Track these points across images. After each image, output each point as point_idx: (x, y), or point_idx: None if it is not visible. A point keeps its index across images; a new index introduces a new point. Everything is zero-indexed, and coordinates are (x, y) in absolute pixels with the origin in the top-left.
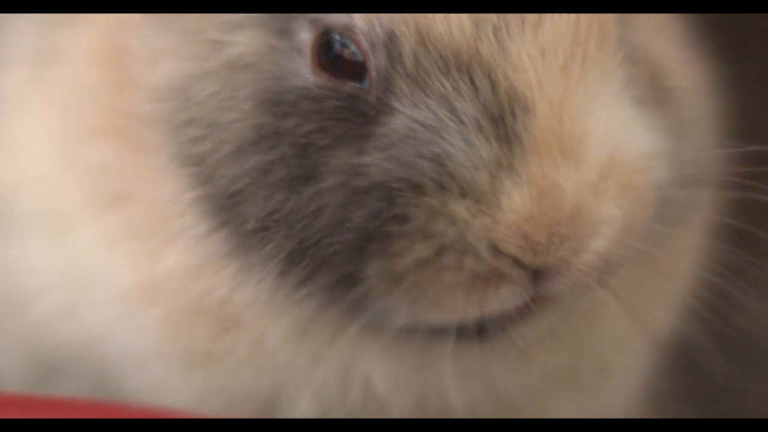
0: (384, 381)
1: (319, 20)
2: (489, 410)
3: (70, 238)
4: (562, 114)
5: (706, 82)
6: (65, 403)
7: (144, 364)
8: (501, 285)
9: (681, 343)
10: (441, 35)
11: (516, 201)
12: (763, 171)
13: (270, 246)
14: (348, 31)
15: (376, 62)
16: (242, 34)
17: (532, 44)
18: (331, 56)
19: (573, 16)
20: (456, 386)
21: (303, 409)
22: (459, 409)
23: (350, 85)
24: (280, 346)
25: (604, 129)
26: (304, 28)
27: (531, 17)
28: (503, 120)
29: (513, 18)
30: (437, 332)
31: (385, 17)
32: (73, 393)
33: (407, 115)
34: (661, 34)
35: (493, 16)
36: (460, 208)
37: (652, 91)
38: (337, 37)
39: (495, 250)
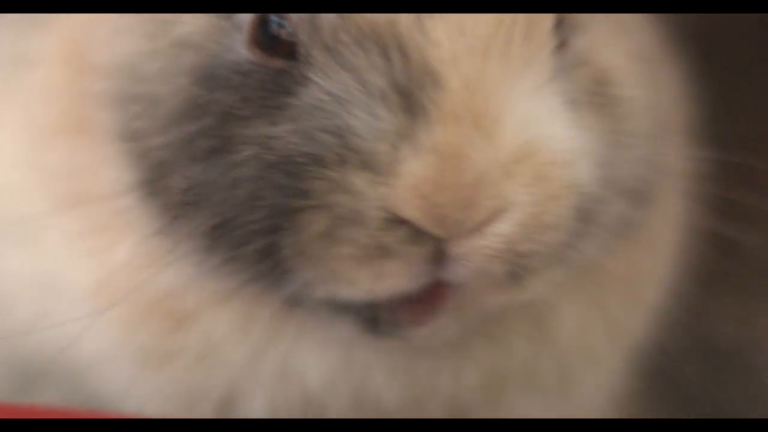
0: (317, 379)
1: None
2: (437, 410)
3: (38, 243)
4: (476, 91)
5: (674, 95)
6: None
7: (109, 367)
8: (391, 259)
9: (655, 349)
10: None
11: (415, 166)
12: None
13: (194, 221)
14: None
15: (302, 36)
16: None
17: (451, 22)
18: (267, 35)
19: None
20: (389, 385)
21: (257, 408)
22: (392, 408)
23: (280, 62)
24: (226, 341)
25: (522, 113)
26: None
27: None
28: (411, 93)
29: None
30: (353, 320)
31: None
32: (53, 400)
33: (320, 86)
34: (615, 43)
35: None
36: (357, 180)
37: (592, 95)
38: (274, 17)
39: (390, 222)
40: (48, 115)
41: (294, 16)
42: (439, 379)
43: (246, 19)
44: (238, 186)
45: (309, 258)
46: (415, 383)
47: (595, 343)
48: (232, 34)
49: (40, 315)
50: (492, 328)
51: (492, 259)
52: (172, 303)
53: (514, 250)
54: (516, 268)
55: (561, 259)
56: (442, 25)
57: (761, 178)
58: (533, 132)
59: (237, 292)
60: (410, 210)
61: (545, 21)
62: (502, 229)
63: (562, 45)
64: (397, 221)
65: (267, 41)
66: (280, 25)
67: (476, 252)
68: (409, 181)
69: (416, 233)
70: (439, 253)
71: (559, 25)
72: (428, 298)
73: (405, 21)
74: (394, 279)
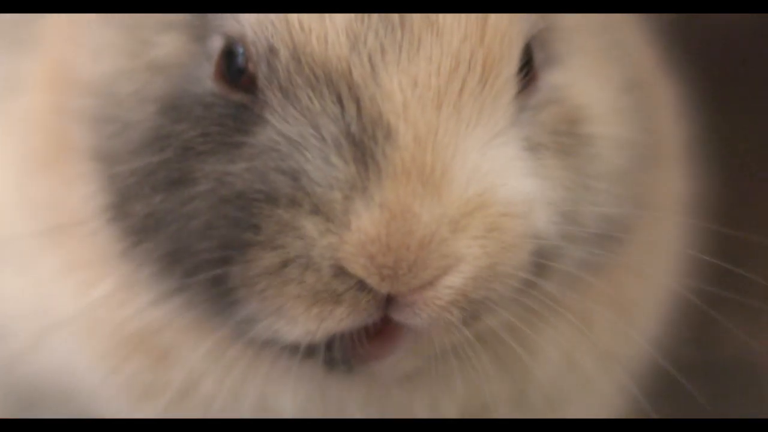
0: (293, 413)
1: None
2: None
3: (32, 269)
4: (426, 145)
5: (666, 120)
6: None
7: (99, 397)
8: (340, 305)
9: (657, 369)
10: (315, 52)
11: (365, 222)
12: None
13: (151, 246)
14: (242, 40)
15: (260, 74)
16: (168, 36)
17: (405, 73)
18: (233, 67)
19: (453, 49)
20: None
21: None
22: None
23: (242, 96)
24: (205, 376)
25: (472, 166)
26: (217, 38)
27: (408, 46)
28: (363, 143)
29: (390, 44)
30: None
31: (268, 29)
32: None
33: (275, 127)
34: (598, 75)
35: (370, 40)
36: (308, 224)
37: (559, 136)
38: (240, 49)
39: (339, 270)
40: (33, 142)
41: (252, 52)
42: (415, 410)
43: (216, 49)
44: (193, 217)
45: (255, 291)
46: (390, 415)
47: (584, 368)
48: (201, 64)
49: (34, 341)
50: (468, 357)
51: (444, 308)
52: (154, 337)
53: (466, 298)
54: (469, 312)
55: (517, 299)
56: (396, 76)
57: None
58: (485, 183)
59: (203, 327)
60: (357, 268)
61: (505, 69)
62: (453, 281)
63: (529, 84)
64: (346, 272)
65: (232, 72)
66: (247, 58)
67: (428, 303)
68: (358, 238)
69: (364, 284)
70: (389, 299)
71: (525, 67)
72: (381, 334)
73: (359, 67)
74: (337, 321)
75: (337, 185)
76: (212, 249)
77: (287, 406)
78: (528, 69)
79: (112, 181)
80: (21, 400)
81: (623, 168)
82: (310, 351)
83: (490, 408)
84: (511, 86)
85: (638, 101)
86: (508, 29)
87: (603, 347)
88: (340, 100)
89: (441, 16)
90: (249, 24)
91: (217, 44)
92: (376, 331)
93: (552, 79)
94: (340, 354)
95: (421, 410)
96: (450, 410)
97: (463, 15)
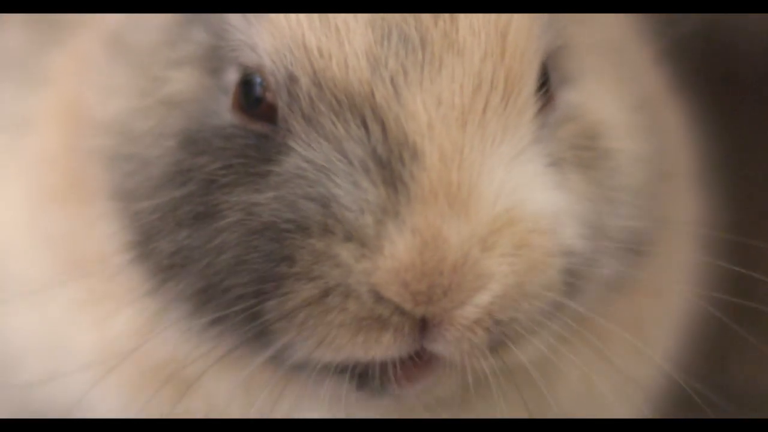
0: None
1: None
2: None
3: (46, 304)
4: (452, 164)
5: (678, 141)
6: None
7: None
8: (384, 330)
9: (672, 392)
10: (336, 77)
11: (398, 248)
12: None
13: (181, 284)
14: (260, 71)
15: (281, 102)
16: (181, 72)
17: (429, 92)
18: (251, 97)
19: (474, 68)
20: None
21: None
22: None
23: (262, 125)
24: (229, 406)
25: (499, 183)
26: (232, 70)
27: (430, 66)
28: (391, 165)
29: (412, 65)
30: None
31: (287, 58)
32: None
33: (300, 154)
34: (611, 94)
35: (391, 62)
36: (343, 251)
37: (580, 151)
38: (257, 79)
39: (378, 295)
40: (47, 178)
41: (271, 81)
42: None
43: (232, 81)
44: (223, 251)
45: (295, 323)
46: None
47: (601, 394)
48: (217, 97)
49: (47, 376)
50: (491, 386)
51: (470, 328)
52: (174, 369)
53: (493, 319)
54: (496, 335)
55: (546, 323)
56: (419, 96)
57: None
58: (512, 200)
59: (231, 357)
60: (392, 293)
61: (526, 86)
62: (482, 300)
63: (547, 102)
64: (382, 296)
65: (250, 103)
66: (265, 87)
67: (454, 322)
68: (392, 265)
69: (400, 308)
70: (426, 324)
71: (544, 85)
72: (415, 360)
73: (381, 90)
74: (383, 347)
75: (368, 209)
76: (245, 284)
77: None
78: (546, 87)
79: (135, 219)
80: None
81: (642, 182)
82: (341, 370)
83: None
84: (532, 103)
85: (649, 120)
86: (527, 46)
87: (621, 369)
88: (364, 123)
89: (461, 35)
90: (267, 53)
91: (232, 76)
92: (410, 356)
93: (568, 98)
94: (373, 375)
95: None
96: None
97: (482, 33)
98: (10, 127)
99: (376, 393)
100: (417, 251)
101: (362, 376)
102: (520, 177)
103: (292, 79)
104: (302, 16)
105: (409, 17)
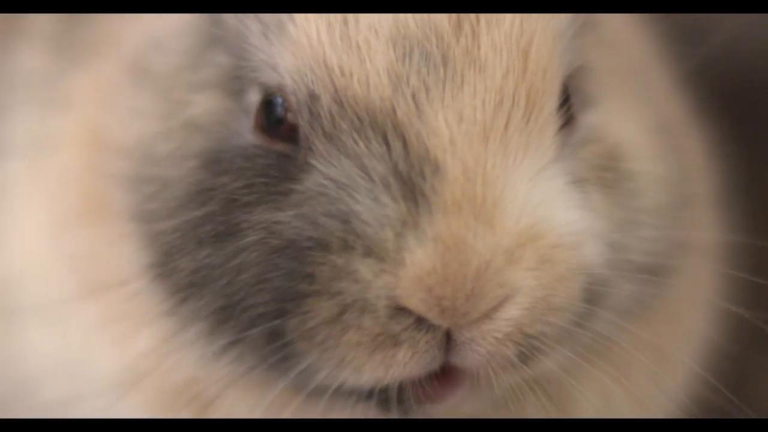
0: None
1: (262, 82)
2: None
3: (66, 327)
4: (475, 178)
5: (698, 165)
6: None
7: None
8: (399, 347)
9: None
10: (357, 95)
11: (419, 256)
12: None
13: (200, 303)
14: (281, 90)
15: (302, 121)
16: (202, 95)
17: (450, 109)
18: (272, 118)
19: (496, 84)
20: None
21: None
22: None
23: (283, 145)
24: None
25: (522, 199)
26: (254, 90)
27: (451, 82)
28: (412, 180)
29: (434, 82)
30: (365, 401)
31: (308, 77)
32: None
33: (322, 172)
34: (632, 116)
35: (413, 79)
36: (363, 267)
37: (601, 172)
38: (279, 99)
39: (398, 310)
40: (68, 200)
41: (293, 101)
42: None
43: (253, 102)
44: (243, 270)
45: (315, 343)
46: None
47: (620, 415)
48: (239, 119)
49: (67, 398)
50: (512, 401)
51: (501, 342)
52: (195, 389)
53: (523, 333)
54: (525, 349)
55: (569, 337)
56: (441, 112)
57: None
58: (536, 216)
59: (251, 377)
60: (415, 302)
61: (548, 103)
62: (510, 313)
63: (569, 122)
64: (404, 310)
65: (271, 124)
66: (286, 108)
67: (485, 337)
68: (414, 273)
69: (423, 321)
70: (447, 339)
71: (565, 104)
72: (440, 378)
73: (403, 107)
74: (402, 366)
75: (388, 223)
76: (266, 302)
77: None
78: (567, 106)
79: (155, 239)
80: None
81: (663, 204)
82: (364, 396)
83: None
84: (554, 121)
85: (671, 142)
86: (549, 64)
87: (639, 395)
88: (385, 140)
89: (483, 52)
90: (288, 73)
91: (254, 98)
92: (433, 375)
93: (589, 120)
94: (397, 396)
95: None
96: None
97: (504, 51)
98: (31, 149)
99: (399, 414)
100: (439, 257)
101: (383, 399)
102: (543, 194)
103: (313, 97)
104: (323, 34)
105: (431, 35)
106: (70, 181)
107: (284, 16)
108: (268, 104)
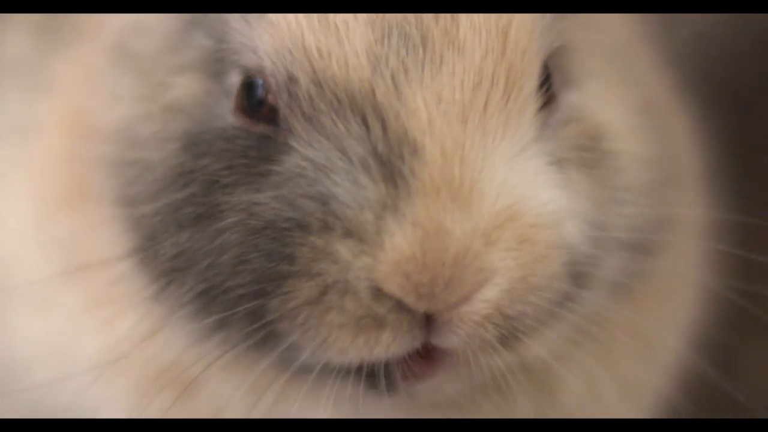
0: None
1: (242, 64)
2: None
3: (52, 309)
4: (453, 160)
5: (682, 145)
6: None
7: None
8: (383, 329)
9: (678, 401)
10: (336, 76)
11: (398, 241)
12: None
13: (184, 288)
14: (261, 72)
15: (281, 103)
16: (184, 77)
17: (429, 89)
18: (253, 100)
19: (475, 65)
20: None
21: None
22: None
23: (263, 127)
24: (235, 407)
25: (500, 180)
26: (234, 73)
27: (430, 63)
28: (391, 162)
29: (413, 63)
30: (350, 379)
31: (287, 59)
32: None
33: (301, 153)
34: (614, 97)
35: (392, 60)
36: (342, 248)
37: (582, 152)
38: (259, 81)
39: (378, 291)
40: (51, 185)
41: (272, 82)
42: None
43: (234, 84)
44: (224, 252)
45: (297, 323)
46: None
47: (605, 398)
48: (220, 101)
49: (54, 380)
50: (497, 385)
51: (481, 324)
52: (179, 371)
53: (502, 314)
54: (506, 330)
55: (554, 318)
56: (419, 93)
57: None
58: (514, 196)
59: (237, 358)
60: (393, 287)
61: (527, 83)
62: (489, 295)
63: (549, 103)
64: (385, 292)
65: (251, 106)
66: (267, 89)
67: (464, 318)
68: (393, 257)
69: (404, 303)
70: (428, 319)
71: (545, 84)
72: (423, 357)
73: (382, 88)
74: (384, 346)
75: (367, 205)
76: (247, 284)
77: None
78: (547, 86)
79: (138, 223)
80: None
81: (646, 183)
82: (348, 371)
83: None
84: (534, 101)
85: (654, 122)
86: (528, 44)
87: (625, 377)
88: (364, 121)
89: (462, 32)
90: (267, 55)
91: (235, 79)
92: (418, 353)
93: (570, 100)
94: (383, 374)
95: None
96: None
97: (483, 31)
98: (14, 134)
99: (385, 392)
100: (418, 243)
101: (370, 376)
102: (522, 174)
103: (292, 79)
104: (301, 16)
105: (410, 15)
106: (55, 166)
107: None
108: (248, 86)
